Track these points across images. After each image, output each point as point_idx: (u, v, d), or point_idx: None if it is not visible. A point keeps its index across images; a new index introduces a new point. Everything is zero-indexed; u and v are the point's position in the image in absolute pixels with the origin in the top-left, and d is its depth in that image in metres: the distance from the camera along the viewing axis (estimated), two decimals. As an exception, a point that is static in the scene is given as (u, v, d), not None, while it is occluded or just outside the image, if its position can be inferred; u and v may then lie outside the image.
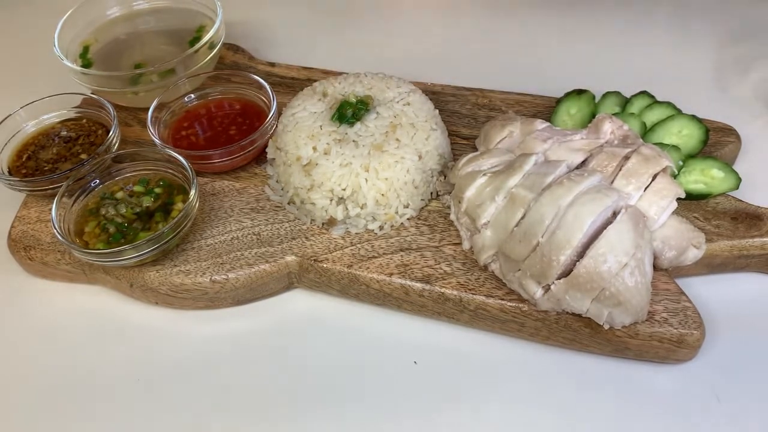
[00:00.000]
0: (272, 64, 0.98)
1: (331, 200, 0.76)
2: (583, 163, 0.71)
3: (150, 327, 0.76)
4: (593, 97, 0.85)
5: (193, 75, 0.89)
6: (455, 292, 0.70)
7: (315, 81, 0.87)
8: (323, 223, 0.77)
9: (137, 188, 0.78)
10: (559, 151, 0.71)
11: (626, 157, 0.70)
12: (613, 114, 0.79)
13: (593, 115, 0.83)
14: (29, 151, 0.84)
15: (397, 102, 0.80)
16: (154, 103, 0.84)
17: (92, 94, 0.89)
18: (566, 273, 0.63)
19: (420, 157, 0.77)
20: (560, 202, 0.64)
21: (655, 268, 0.68)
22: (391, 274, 0.72)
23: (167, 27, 1.00)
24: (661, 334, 0.65)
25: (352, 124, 0.77)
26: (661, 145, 0.76)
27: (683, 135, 0.79)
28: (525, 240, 0.65)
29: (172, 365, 0.72)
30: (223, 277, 0.73)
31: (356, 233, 0.76)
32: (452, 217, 0.75)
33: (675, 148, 0.77)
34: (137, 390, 0.70)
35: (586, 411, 0.66)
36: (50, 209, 0.74)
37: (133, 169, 0.80)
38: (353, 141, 0.76)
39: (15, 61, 1.09)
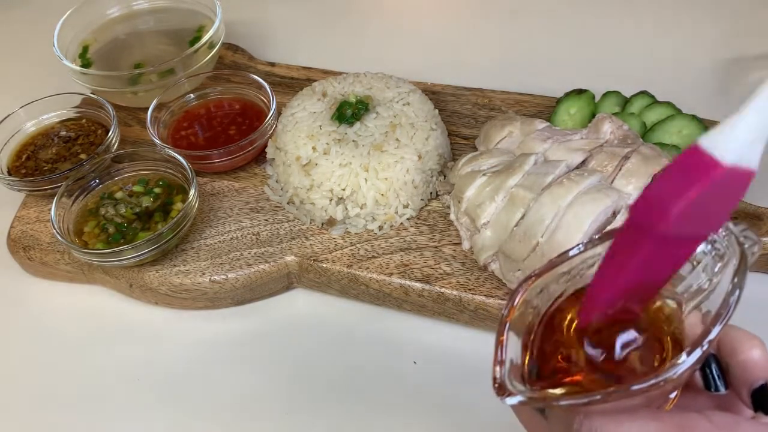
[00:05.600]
0: (272, 64, 0.98)
1: (330, 200, 0.75)
2: (583, 162, 0.71)
3: (150, 327, 0.76)
4: (593, 97, 0.85)
5: (192, 75, 0.89)
6: (455, 292, 0.70)
7: (315, 81, 0.86)
8: (323, 223, 0.77)
9: (136, 188, 0.78)
10: (559, 151, 0.71)
11: (626, 157, 0.69)
12: (613, 114, 0.78)
13: (593, 115, 0.83)
14: (29, 151, 0.84)
15: (397, 102, 0.80)
16: (154, 103, 0.84)
17: (92, 94, 0.89)
18: (566, 273, 0.63)
19: (420, 157, 0.77)
20: (560, 202, 0.64)
21: (655, 268, 0.68)
22: (390, 274, 0.72)
23: (167, 27, 1.00)
24: (661, 334, 0.65)
25: (351, 124, 0.77)
26: (661, 144, 0.76)
27: (683, 135, 0.78)
28: (525, 240, 0.65)
29: (172, 365, 0.72)
30: (223, 277, 0.73)
31: (356, 233, 0.76)
32: (452, 217, 0.75)
33: (675, 147, 0.77)
34: (137, 390, 0.70)
35: (586, 411, 0.65)
36: (50, 209, 0.74)
37: (132, 169, 0.80)
38: (353, 141, 0.76)
39: (15, 61, 1.09)
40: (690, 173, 0.32)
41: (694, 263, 0.41)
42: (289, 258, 0.74)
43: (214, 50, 0.92)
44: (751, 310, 0.75)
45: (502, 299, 0.69)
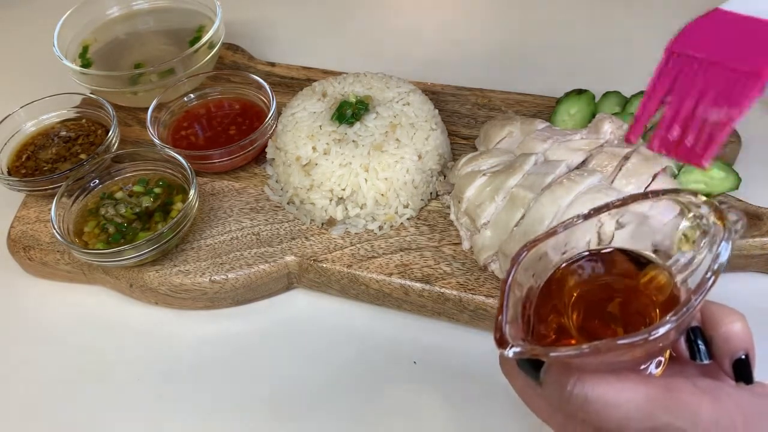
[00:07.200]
0: (272, 64, 0.98)
1: (330, 200, 0.75)
2: (583, 163, 0.71)
3: (150, 327, 0.75)
4: (593, 97, 0.85)
5: (192, 75, 0.89)
6: (455, 292, 0.70)
7: (315, 81, 0.86)
8: (323, 223, 0.77)
9: (136, 188, 0.78)
10: (559, 151, 0.71)
11: (626, 157, 0.69)
12: (613, 114, 0.78)
13: (593, 115, 0.83)
14: (29, 151, 0.84)
15: (397, 102, 0.80)
16: (154, 103, 0.84)
17: (92, 94, 0.89)
18: (566, 273, 0.63)
19: (420, 157, 0.77)
20: (560, 202, 0.64)
21: (655, 268, 0.68)
22: (390, 274, 0.72)
23: (167, 27, 1.00)
24: (661, 334, 0.65)
25: (351, 124, 0.77)
26: (661, 145, 0.76)
27: (683, 135, 0.78)
28: (525, 240, 0.65)
29: (172, 365, 0.72)
30: (223, 277, 0.73)
31: (356, 233, 0.76)
32: (452, 217, 0.75)
33: (675, 147, 0.77)
34: (137, 390, 0.70)
35: (586, 411, 0.65)
36: (50, 209, 0.74)
37: (132, 169, 0.80)
38: (353, 141, 0.76)
39: (15, 61, 1.09)
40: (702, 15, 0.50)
41: (682, 237, 0.44)
42: (289, 258, 0.74)
43: (214, 50, 0.92)
44: (752, 309, 0.75)
45: (502, 299, 0.69)
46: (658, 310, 0.44)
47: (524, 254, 0.44)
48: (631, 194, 0.45)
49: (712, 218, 0.42)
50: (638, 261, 0.46)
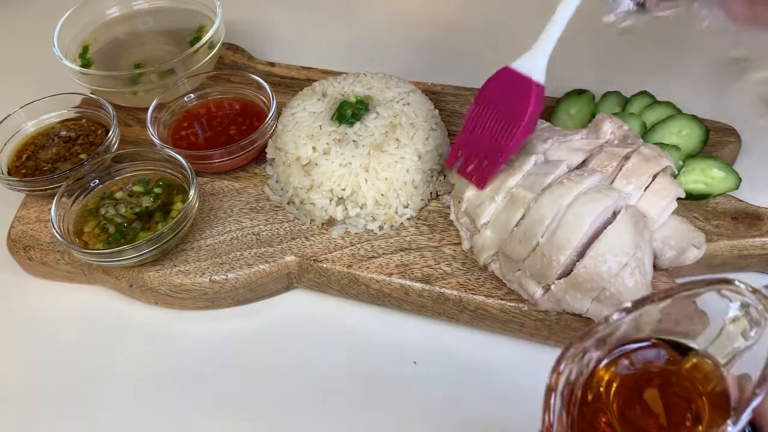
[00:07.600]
0: (272, 64, 0.98)
1: (330, 200, 0.75)
2: (583, 163, 0.71)
3: (150, 327, 0.76)
4: (593, 97, 0.85)
5: (192, 75, 0.89)
6: (455, 292, 0.70)
7: (315, 81, 0.86)
8: (323, 223, 0.77)
9: (137, 188, 0.78)
10: (559, 151, 0.71)
11: (626, 157, 0.69)
12: (613, 114, 0.78)
13: (593, 115, 0.83)
14: (29, 151, 0.84)
15: (397, 102, 0.80)
16: (154, 103, 0.84)
17: (92, 94, 0.89)
18: (566, 273, 0.63)
19: (420, 157, 0.77)
20: (560, 202, 0.64)
21: (655, 268, 0.68)
22: (390, 274, 0.72)
23: (167, 27, 1.00)
24: (661, 334, 0.65)
25: (351, 124, 0.77)
26: (661, 144, 0.76)
27: (683, 135, 0.78)
28: (525, 240, 0.65)
29: (172, 365, 0.72)
30: (223, 277, 0.73)
31: (356, 233, 0.76)
32: (452, 217, 0.75)
33: (675, 147, 0.77)
34: (137, 390, 0.70)
35: (586, 411, 0.65)
36: (50, 209, 0.74)
37: (132, 169, 0.80)
38: (353, 141, 0.76)
39: (15, 61, 1.09)
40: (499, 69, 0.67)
41: (728, 326, 0.43)
42: (289, 258, 0.74)
43: (214, 50, 0.92)
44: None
45: (502, 299, 0.69)
46: (704, 398, 0.43)
47: (570, 352, 0.43)
48: (676, 285, 0.43)
49: (761, 307, 0.41)
50: (680, 349, 0.45)
